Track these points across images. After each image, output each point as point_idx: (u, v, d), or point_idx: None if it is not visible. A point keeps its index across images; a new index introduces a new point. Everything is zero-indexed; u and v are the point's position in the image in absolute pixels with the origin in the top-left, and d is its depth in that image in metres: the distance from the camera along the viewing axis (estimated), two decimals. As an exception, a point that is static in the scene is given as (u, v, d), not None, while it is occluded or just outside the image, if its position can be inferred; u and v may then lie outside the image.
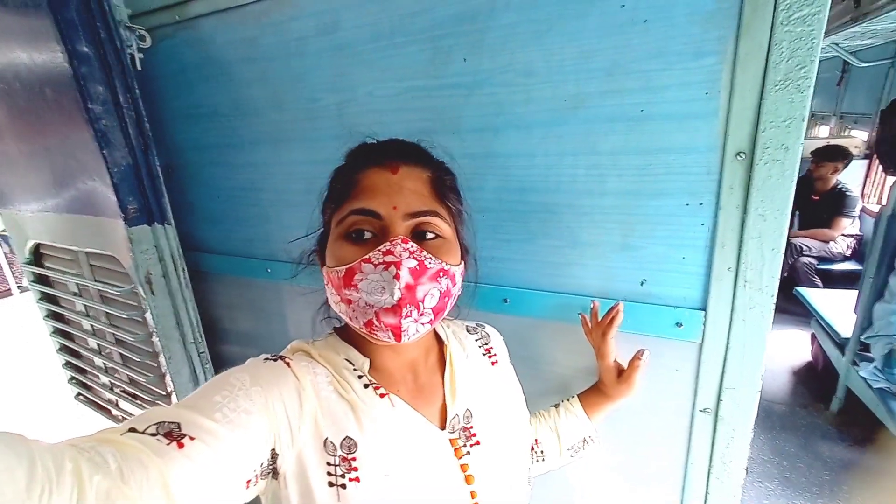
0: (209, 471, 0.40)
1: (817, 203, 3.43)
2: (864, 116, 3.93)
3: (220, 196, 1.19)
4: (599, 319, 0.75)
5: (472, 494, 0.55)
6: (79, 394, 1.53)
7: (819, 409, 2.50)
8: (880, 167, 3.50)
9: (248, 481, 0.44)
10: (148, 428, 0.39)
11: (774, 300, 0.68)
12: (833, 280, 3.31)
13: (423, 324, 0.51)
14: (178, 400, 0.97)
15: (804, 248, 3.40)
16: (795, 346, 3.03)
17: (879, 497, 1.97)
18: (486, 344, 0.69)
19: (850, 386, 2.30)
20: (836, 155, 3.31)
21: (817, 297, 2.79)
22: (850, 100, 4.35)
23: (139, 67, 1.06)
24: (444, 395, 0.59)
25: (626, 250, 0.77)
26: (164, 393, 1.17)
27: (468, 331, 0.69)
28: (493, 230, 0.86)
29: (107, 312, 1.23)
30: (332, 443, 0.50)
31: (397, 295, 0.48)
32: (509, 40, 0.74)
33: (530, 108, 0.76)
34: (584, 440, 0.78)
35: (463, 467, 0.56)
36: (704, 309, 0.73)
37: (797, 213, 3.54)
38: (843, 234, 3.41)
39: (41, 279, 1.41)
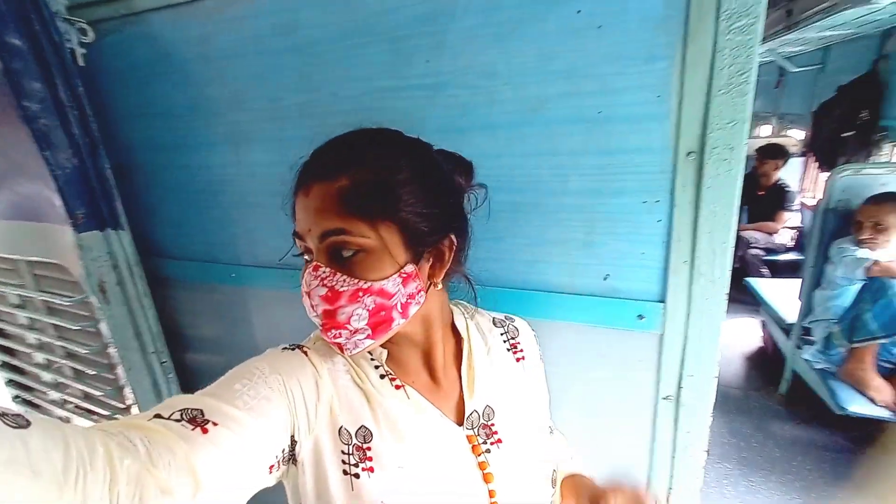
0: (233, 456, 0.41)
1: (762, 198, 3.66)
2: (800, 117, 4.22)
3: (180, 199, 1.14)
4: None
5: (491, 493, 0.55)
6: (26, 412, 1.43)
7: (770, 391, 2.66)
8: (815, 164, 3.77)
9: (271, 466, 0.45)
10: (173, 414, 0.40)
11: (727, 291, 0.72)
12: (779, 270, 3.53)
13: (360, 339, 0.50)
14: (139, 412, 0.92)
15: (752, 240, 3.61)
16: (747, 333, 3.21)
17: (823, 468, 2.12)
18: (513, 339, 0.67)
19: (796, 368, 2.46)
20: (777, 153, 3.54)
21: (765, 287, 2.97)
22: (787, 101, 4.66)
23: (82, 63, 1.01)
24: (462, 390, 0.59)
25: (590, 247, 0.79)
26: (122, 406, 1.12)
27: (494, 323, 0.67)
28: (461, 230, 0.86)
29: (55, 324, 1.15)
30: (347, 431, 0.51)
31: (318, 322, 0.50)
32: (471, 42, 0.75)
33: (494, 110, 0.78)
34: None
35: (482, 465, 0.55)
36: (664, 301, 0.77)
37: (745, 207, 3.76)
38: (786, 227, 3.65)
39: (-25, 292, 1.30)
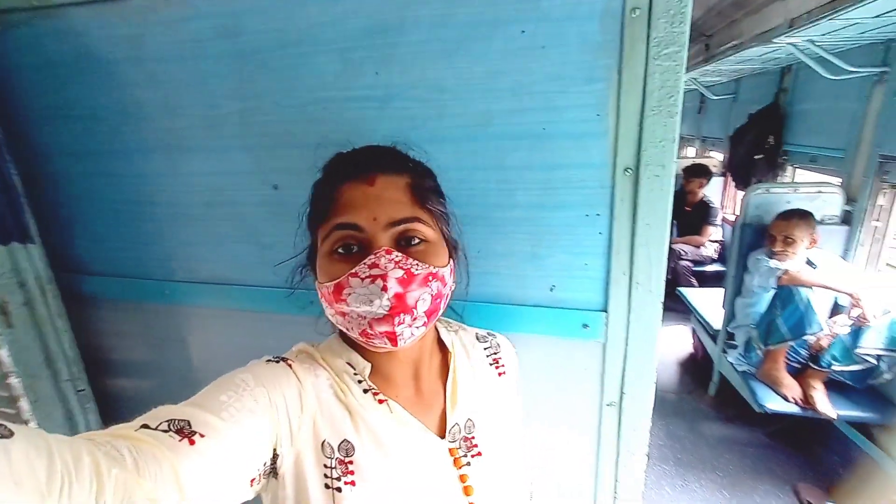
0: (218, 468, 0.41)
1: (689, 213, 3.98)
2: (719, 140, 4.66)
3: (105, 210, 1.05)
4: None
5: None
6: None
7: (701, 394, 2.85)
8: (733, 183, 4.16)
9: (252, 480, 0.45)
10: (160, 425, 0.40)
11: (662, 300, 0.76)
12: (706, 280, 3.84)
13: (417, 327, 0.52)
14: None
15: (682, 252, 3.90)
16: (680, 340, 3.44)
17: (745, 464, 2.29)
18: (495, 354, 0.69)
19: (723, 371, 2.66)
20: (701, 172, 3.88)
21: (694, 296, 3.21)
22: (708, 126, 5.15)
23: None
24: (445, 404, 0.60)
25: (536, 259, 0.82)
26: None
27: (478, 338, 0.69)
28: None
29: (-57, 353, 1.00)
30: (329, 445, 0.51)
31: (387, 305, 0.49)
32: (420, 56, 0.76)
33: (444, 124, 0.79)
34: None
35: (462, 477, 0.56)
36: (606, 311, 0.80)
37: (674, 222, 4.06)
38: (711, 240, 3.99)
39: None
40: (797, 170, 3.30)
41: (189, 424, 0.41)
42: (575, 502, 0.93)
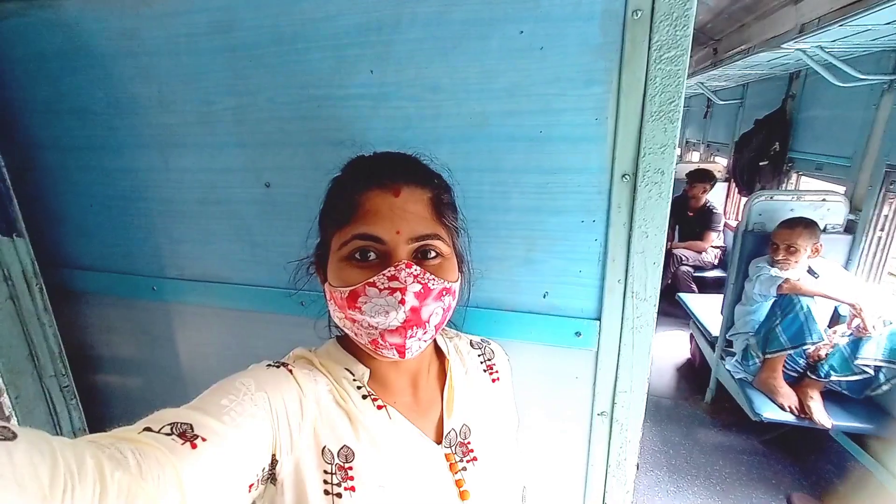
0: (219, 472, 0.41)
1: (692, 218, 3.95)
2: (724, 145, 4.63)
3: (95, 205, 1.03)
4: None
5: None
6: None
7: (697, 400, 2.83)
8: (736, 189, 4.13)
9: (251, 485, 0.45)
10: (163, 428, 0.40)
11: (657, 309, 0.75)
12: (706, 286, 3.81)
13: (424, 340, 0.53)
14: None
15: (683, 258, 3.87)
16: (678, 345, 3.42)
17: (740, 471, 2.28)
18: (489, 360, 0.69)
19: (720, 378, 2.64)
20: (705, 177, 3.85)
21: (693, 301, 3.19)
22: (713, 130, 5.11)
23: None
24: (442, 410, 0.60)
25: (529, 264, 0.80)
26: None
27: (472, 345, 0.70)
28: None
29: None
30: (329, 451, 0.51)
31: (402, 318, 0.49)
32: (416, 55, 0.74)
33: (439, 124, 0.77)
34: None
35: (458, 483, 0.57)
36: (600, 319, 0.78)
37: (677, 227, 4.04)
38: (712, 246, 3.96)
39: None
40: (801, 177, 3.27)
41: (192, 428, 0.41)
42: (564, 512, 0.92)
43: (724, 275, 3.60)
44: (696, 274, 3.88)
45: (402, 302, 0.49)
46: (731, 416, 2.56)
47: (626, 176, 0.71)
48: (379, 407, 0.56)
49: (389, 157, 0.57)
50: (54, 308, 1.01)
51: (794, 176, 3.30)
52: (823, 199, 2.40)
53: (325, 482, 0.50)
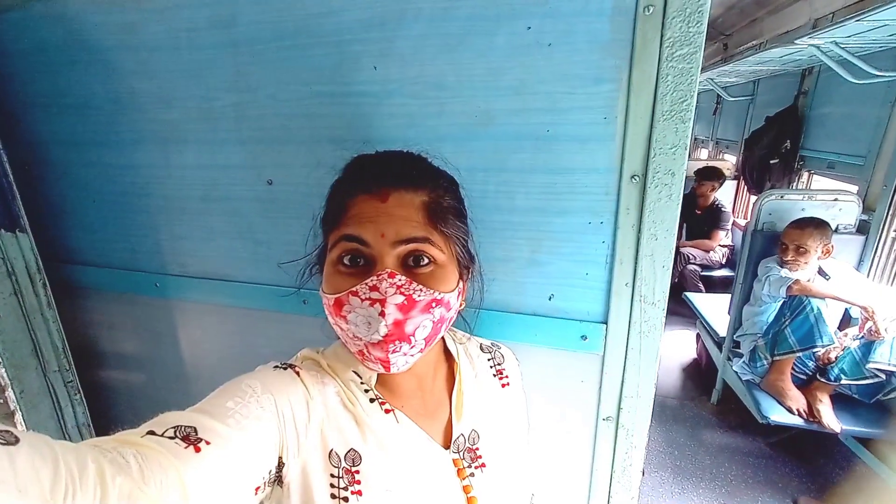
0: (223, 475, 0.40)
1: (700, 217, 3.90)
2: (733, 143, 4.56)
3: (98, 201, 1.03)
4: None
5: None
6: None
7: (703, 401, 2.81)
8: (745, 187, 4.07)
9: (257, 488, 0.44)
10: (166, 431, 0.40)
11: (665, 313, 0.73)
12: (713, 285, 3.77)
13: (412, 354, 0.51)
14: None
15: (690, 256, 3.83)
16: (684, 345, 3.39)
17: (746, 474, 2.25)
18: (499, 365, 0.68)
19: (727, 379, 2.61)
20: (714, 175, 3.79)
21: (700, 301, 3.15)
22: (722, 127, 5.03)
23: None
24: (451, 414, 0.59)
25: (535, 266, 0.78)
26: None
27: (482, 349, 0.68)
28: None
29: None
30: (336, 454, 0.50)
31: (383, 331, 0.47)
32: (420, 51, 0.72)
33: (442, 122, 0.75)
34: None
35: (466, 489, 0.56)
36: (606, 322, 0.77)
37: (684, 225, 3.99)
38: (720, 245, 3.91)
39: None
40: (813, 176, 3.21)
41: (195, 431, 0.41)
42: (567, 516, 0.91)
43: (731, 274, 3.56)
44: (703, 273, 3.84)
45: (383, 315, 0.47)
46: (738, 417, 2.53)
47: (636, 177, 0.69)
48: (387, 411, 0.55)
49: (382, 159, 0.55)
50: (57, 304, 1.01)
51: (806, 174, 3.25)
52: (835, 199, 2.36)
53: (332, 485, 0.49)
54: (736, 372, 2.40)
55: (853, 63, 2.21)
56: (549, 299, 0.79)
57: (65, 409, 1.00)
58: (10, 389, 0.91)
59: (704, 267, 3.86)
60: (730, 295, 2.66)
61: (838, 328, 2.22)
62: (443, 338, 0.63)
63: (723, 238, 3.90)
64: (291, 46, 0.78)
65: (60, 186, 1.03)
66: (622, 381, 0.78)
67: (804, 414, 2.07)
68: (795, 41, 2.08)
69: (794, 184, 3.28)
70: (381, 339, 0.48)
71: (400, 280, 0.47)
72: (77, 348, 1.06)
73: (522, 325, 0.81)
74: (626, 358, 0.76)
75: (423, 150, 0.59)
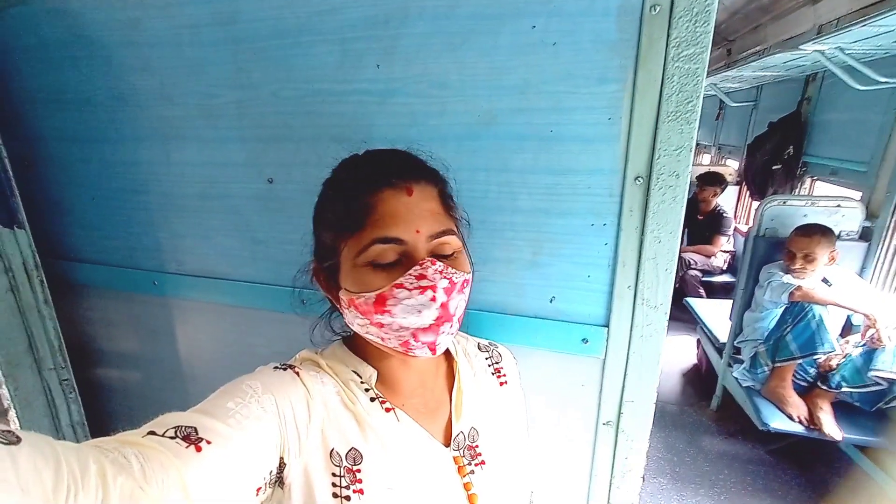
0: (224, 475, 0.40)
1: (701, 222, 3.89)
2: (736, 148, 4.55)
3: (96, 197, 1.02)
4: None
5: None
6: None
7: (703, 407, 2.79)
8: (748, 192, 4.06)
9: (259, 489, 0.44)
10: (167, 431, 0.40)
11: (667, 317, 0.72)
12: (714, 291, 3.75)
13: (452, 334, 0.53)
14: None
15: (691, 262, 3.82)
16: (684, 351, 3.37)
17: (745, 481, 2.24)
18: (497, 364, 0.68)
19: (727, 385, 2.60)
20: (716, 180, 3.79)
21: (701, 307, 3.14)
22: (725, 133, 5.03)
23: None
24: (451, 412, 0.59)
25: (536, 267, 0.77)
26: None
27: (479, 348, 0.69)
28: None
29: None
30: (338, 453, 0.51)
31: (435, 315, 0.49)
32: (423, 50, 0.72)
33: (445, 121, 0.75)
34: None
35: (466, 486, 0.56)
36: (607, 325, 0.76)
37: (686, 230, 3.98)
38: (721, 250, 3.90)
39: None
40: (816, 182, 3.20)
41: (196, 431, 0.41)
42: (566, 522, 0.89)
43: (733, 280, 3.55)
44: (704, 278, 3.82)
45: (434, 299, 0.49)
46: (738, 424, 2.52)
47: (640, 178, 0.68)
48: (387, 409, 0.55)
49: (392, 156, 0.55)
50: (54, 300, 1.00)
51: (808, 181, 3.23)
52: (838, 205, 2.35)
53: (334, 485, 0.49)
54: (736, 378, 2.39)
55: (857, 69, 2.20)
56: (551, 301, 0.79)
57: (59, 407, 0.99)
58: (3, 387, 0.90)
59: (706, 272, 3.85)
60: (731, 301, 2.65)
61: (840, 335, 2.21)
62: None
63: (724, 243, 3.89)
64: (294, 44, 0.77)
65: (59, 183, 1.03)
66: (623, 386, 0.77)
67: (805, 421, 2.05)
68: (800, 46, 2.07)
69: (797, 190, 3.27)
70: (432, 322, 0.50)
71: (440, 266, 0.49)
72: (74, 345, 1.05)
73: (523, 328, 0.80)
74: (627, 362, 0.75)
75: (409, 147, 0.58)
